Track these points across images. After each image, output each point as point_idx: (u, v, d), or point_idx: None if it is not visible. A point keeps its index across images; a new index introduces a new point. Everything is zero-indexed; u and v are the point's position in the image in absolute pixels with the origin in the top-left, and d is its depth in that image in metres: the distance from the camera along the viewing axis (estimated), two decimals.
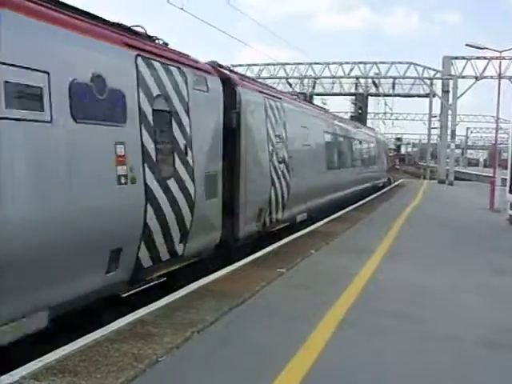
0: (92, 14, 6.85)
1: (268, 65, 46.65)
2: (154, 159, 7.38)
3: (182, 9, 18.30)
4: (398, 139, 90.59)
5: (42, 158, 5.49)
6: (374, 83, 49.28)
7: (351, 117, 46.18)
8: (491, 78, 39.46)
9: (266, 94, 12.59)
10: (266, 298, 7.41)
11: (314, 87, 49.43)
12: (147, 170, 7.17)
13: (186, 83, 8.45)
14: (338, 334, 5.95)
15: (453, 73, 41.04)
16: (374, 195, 27.37)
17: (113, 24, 7.20)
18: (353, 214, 18.06)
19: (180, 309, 6.63)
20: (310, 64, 45.83)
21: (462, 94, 41.00)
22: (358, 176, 25.41)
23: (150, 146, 7.28)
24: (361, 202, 22.83)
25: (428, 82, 44.33)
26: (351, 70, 44.90)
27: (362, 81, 50.57)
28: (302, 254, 10.39)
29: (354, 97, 58.05)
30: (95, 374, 4.65)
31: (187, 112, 8.42)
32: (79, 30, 6.24)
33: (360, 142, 27.14)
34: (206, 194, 9.00)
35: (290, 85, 47.92)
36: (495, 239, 13.75)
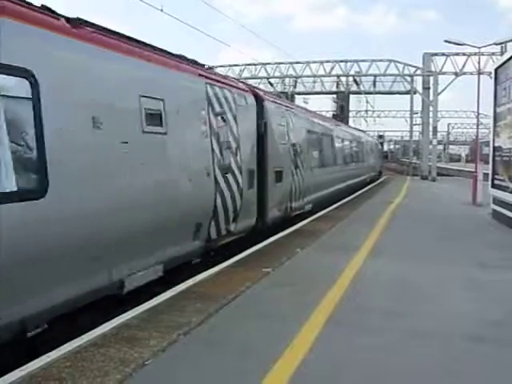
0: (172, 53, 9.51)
1: (249, 65, 46.63)
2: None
3: (161, 10, 18.25)
4: (380, 136, 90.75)
5: None
6: (355, 81, 49.50)
7: (333, 115, 46.22)
8: (471, 73, 39.81)
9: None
10: (251, 298, 7.39)
11: (295, 86, 49.59)
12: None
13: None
14: (326, 332, 5.94)
15: (433, 69, 41.38)
16: (358, 193, 27.50)
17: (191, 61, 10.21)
18: (337, 212, 18.10)
19: (165, 311, 6.59)
20: (291, 63, 45.86)
21: (443, 90, 41.33)
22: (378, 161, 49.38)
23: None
24: (344, 200, 22.89)
25: (408, 78, 44.60)
26: (332, 68, 45.00)
27: (343, 79, 50.89)
28: (288, 254, 10.38)
29: (335, 95, 58.23)
30: (81, 380, 4.60)
31: None
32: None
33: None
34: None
35: (272, 84, 47.98)
36: (479, 233, 13.82)
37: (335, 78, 49.44)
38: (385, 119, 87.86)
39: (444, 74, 41.26)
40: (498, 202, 16.03)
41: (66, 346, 5.35)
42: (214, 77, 10.66)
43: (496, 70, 16.52)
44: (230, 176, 10.59)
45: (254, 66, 46.79)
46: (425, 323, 6.37)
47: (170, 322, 6.17)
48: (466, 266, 9.61)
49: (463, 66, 40.51)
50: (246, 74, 46.48)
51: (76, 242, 6.05)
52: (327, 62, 44.93)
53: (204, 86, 9.81)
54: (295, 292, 7.71)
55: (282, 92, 44.75)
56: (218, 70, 43.31)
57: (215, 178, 9.83)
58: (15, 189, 5.17)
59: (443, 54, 40.96)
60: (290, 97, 44.64)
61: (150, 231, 7.57)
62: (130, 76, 7.49)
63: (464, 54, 40.11)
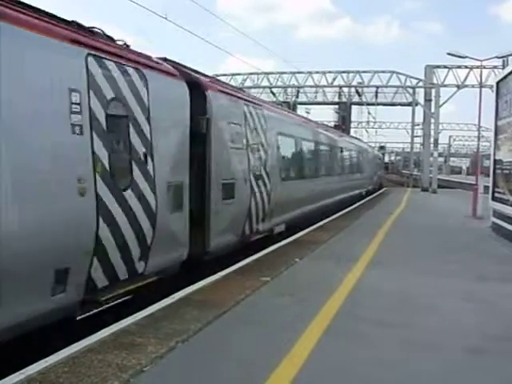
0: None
1: (251, 74, 46.73)
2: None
3: (165, 18, 18.33)
4: (382, 148, 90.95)
5: None
6: (357, 92, 49.54)
7: (335, 125, 46.25)
8: (472, 86, 39.93)
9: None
10: (250, 306, 7.39)
11: (297, 96, 49.64)
12: None
13: None
14: (323, 342, 5.93)
15: (435, 81, 41.48)
16: (358, 203, 27.50)
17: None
18: (336, 223, 18.11)
19: (164, 318, 6.59)
20: (294, 73, 45.94)
21: (444, 102, 41.48)
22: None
23: None
24: (345, 211, 22.89)
25: (410, 90, 44.69)
26: (334, 79, 45.07)
27: (345, 90, 50.89)
28: (287, 263, 10.39)
29: (337, 106, 58.29)
30: None
31: None
32: None
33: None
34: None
35: (274, 94, 48.04)
36: (478, 246, 13.82)
37: (337, 88, 49.49)
38: (386, 130, 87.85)
39: (446, 86, 41.38)
40: (498, 214, 16.03)
41: (64, 350, 5.35)
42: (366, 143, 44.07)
43: (498, 83, 16.57)
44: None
45: (256, 75, 46.92)
46: (424, 335, 6.37)
47: (169, 329, 6.18)
48: (465, 279, 9.61)
49: (465, 79, 40.70)
50: (248, 83, 46.59)
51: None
52: (329, 72, 45.01)
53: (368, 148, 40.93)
54: (294, 301, 7.71)
55: (284, 102, 44.80)
56: (221, 79, 43.43)
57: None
58: None
59: (445, 67, 41.11)
60: (293, 107, 44.69)
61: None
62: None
63: (466, 67, 40.29)
